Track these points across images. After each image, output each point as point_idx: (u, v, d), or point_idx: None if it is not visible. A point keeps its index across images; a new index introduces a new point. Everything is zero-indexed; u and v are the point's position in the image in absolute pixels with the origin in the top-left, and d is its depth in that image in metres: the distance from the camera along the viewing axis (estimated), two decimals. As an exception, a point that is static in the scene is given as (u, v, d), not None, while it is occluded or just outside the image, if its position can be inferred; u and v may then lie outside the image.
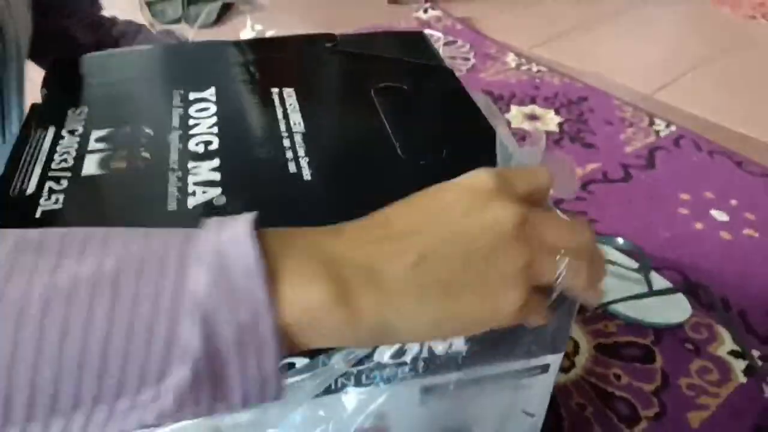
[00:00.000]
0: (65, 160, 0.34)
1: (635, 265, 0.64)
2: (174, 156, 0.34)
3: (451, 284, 0.23)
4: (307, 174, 0.33)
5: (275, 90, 0.41)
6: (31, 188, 0.32)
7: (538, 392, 0.33)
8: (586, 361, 0.57)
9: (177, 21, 1.20)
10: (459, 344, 0.29)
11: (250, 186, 0.33)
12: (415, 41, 0.47)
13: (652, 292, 0.62)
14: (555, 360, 0.32)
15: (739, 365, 0.56)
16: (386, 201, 0.32)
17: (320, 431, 0.30)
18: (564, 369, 0.56)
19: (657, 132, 0.90)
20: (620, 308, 0.61)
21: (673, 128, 0.91)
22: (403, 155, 0.35)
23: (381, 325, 0.22)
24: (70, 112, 0.39)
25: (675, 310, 0.61)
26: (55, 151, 0.35)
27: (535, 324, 0.25)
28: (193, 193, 0.32)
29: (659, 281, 0.63)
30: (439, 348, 0.29)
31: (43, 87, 0.42)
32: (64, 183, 0.33)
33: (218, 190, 0.32)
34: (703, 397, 0.54)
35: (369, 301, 0.22)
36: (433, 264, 0.23)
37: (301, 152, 0.35)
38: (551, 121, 0.93)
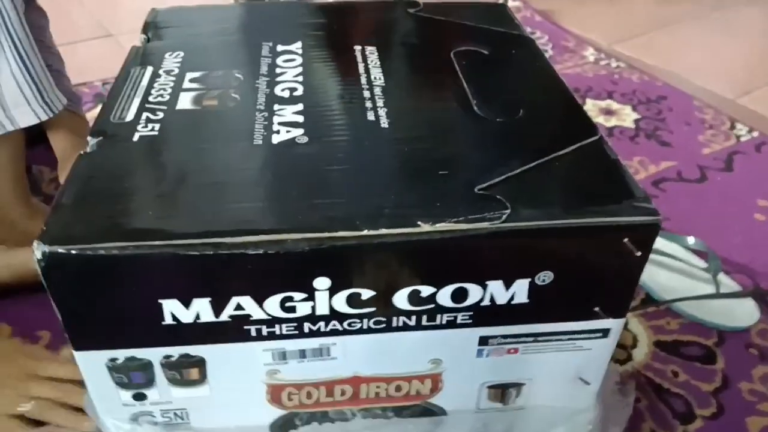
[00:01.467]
0: (161, 96, 0.37)
1: (704, 264, 0.62)
2: (261, 98, 0.36)
3: None
4: (384, 122, 0.34)
5: (358, 47, 0.42)
6: (129, 116, 0.35)
7: (595, 358, 0.33)
8: (644, 356, 0.56)
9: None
10: (522, 296, 0.30)
11: (330, 129, 0.34)
12: (498, 11, 0.47)
13: (719, 294, 0.60)
14: (616, 325, 0.32)
15: (807, 376, 0.54)
16: (460, 150, 0.33)
17: (375, 365, 0.31)
18: (620, 360, 0.55)
19: (738, 136, 0.87)
20: (684, 307, 0.59)
21: (755, 134, 0.87)
22: (480, 112, 0.35)
23: None
24: (167, 55, 0.41)
25: (742, 313, 0.59)
26: (153, 87, 0.37)
27: None
28: (278, 132, 0.33)
29: (728, 284, 0.61)
30: (501, 298, 0.30)
31: (142, 32, 0.45)
32: (160, 114, 0.35)
33: (301, 131, 0.33)
34: (765, 404, 0.52)
35: None
36: None
37: (380, 103, 0.36)
38: (627, 116, 0.90)
